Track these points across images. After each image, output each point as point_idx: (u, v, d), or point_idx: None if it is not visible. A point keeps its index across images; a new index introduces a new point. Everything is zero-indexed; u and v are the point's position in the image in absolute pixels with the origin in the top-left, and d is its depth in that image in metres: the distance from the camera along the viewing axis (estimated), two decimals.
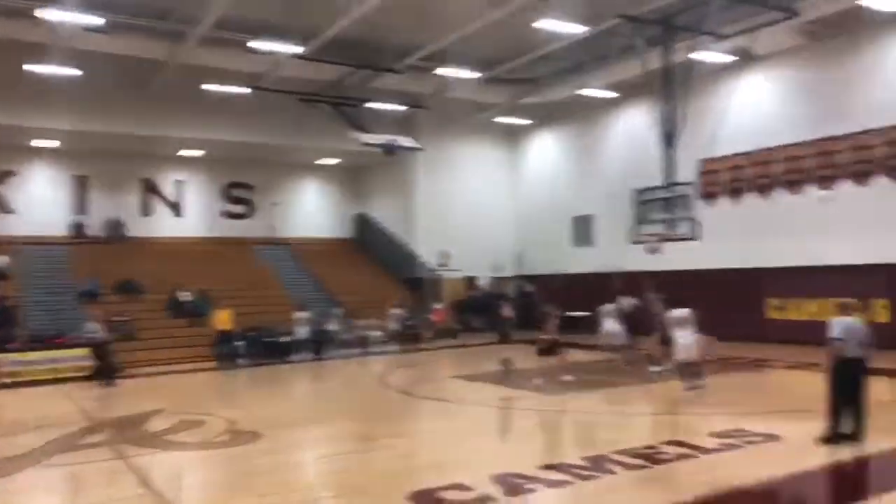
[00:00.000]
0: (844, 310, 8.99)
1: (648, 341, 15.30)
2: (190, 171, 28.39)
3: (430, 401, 13.81)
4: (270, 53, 19.81)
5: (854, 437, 8.60)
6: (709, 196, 22.09)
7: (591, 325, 17.86)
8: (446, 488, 7.33)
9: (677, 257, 20.52)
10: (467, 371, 17.46)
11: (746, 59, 19.36)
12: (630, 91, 23.93)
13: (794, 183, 20.05)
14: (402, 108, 25.25)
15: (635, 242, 19.69)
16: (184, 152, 27.15)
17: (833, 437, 8.61)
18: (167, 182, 28.12)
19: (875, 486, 7.37)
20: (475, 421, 11.67)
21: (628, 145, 24.97)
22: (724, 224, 21.61)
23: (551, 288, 27.52)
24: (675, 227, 18.23)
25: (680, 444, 8.91)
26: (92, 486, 8.31)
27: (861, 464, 8.08)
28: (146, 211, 27.66)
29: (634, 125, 24.43)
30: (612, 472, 7.77)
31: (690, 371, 12.45)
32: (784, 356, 17.02)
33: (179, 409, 12.74)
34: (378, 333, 22.49)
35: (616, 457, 8.31)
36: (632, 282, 17.93)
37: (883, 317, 17.50)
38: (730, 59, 19.94)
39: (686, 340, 12.11)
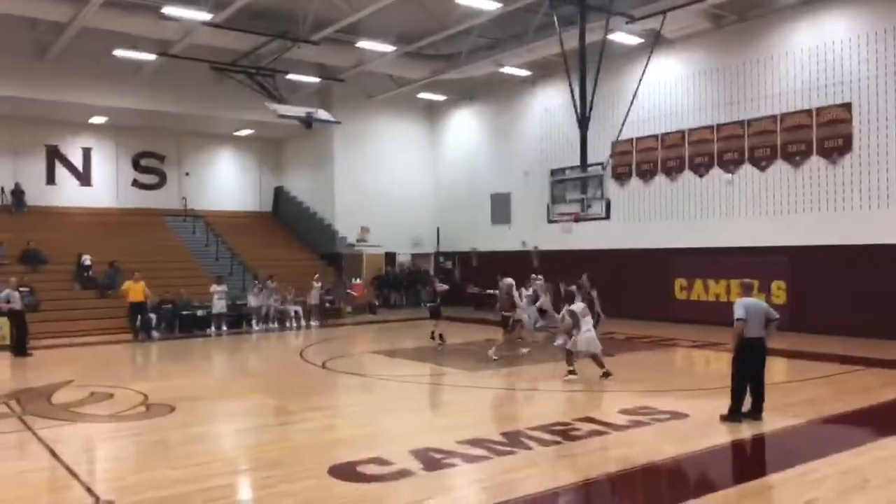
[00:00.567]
0: (747, 290, 9.19)
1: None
2: (98, 140, 27.31)
3: (348, 375, 13.86)
4: (180, 20, 19.17)
5: (753, 414, 8.93)
6: (620, 177, 22.81)
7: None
8: (365, 462, 7.41)
9: (590, 236, 21.12)
10: (386, 346, 17.63)
11: (658, 41, 19.94)
12: (547, 70, 24.31)
13: (700, 166, 20.87)
14: (319, 80, 24.92)
15: (551, 221, 20.13)
16: (94, 120, 26.08)
17: (735, 415, 8.90)
18: (75, 150, 26.98)
19: (772, 464, 7.60)
20: (394, 396, 11.77)
21: (545, 124, 25.36)
22: (634, 205, 22.40)
23: (469, 265, 27.91)
24: (589, 207, 18.67)
25: (591, 420, 9.22)
26: (1, 458, 8.04)
27: (758, 442, 8.37)
28: (51, 179, 26.50)
29: (551, 105, 24.85)
30: (528, 448, 7.96)
31: (572, 360, 12.10)
32: (690, 335, 17.78)
33: (90, 382, 12.47)
34: (297, 308, 22.35)
35: (532, 433, 8.54)
36: (547, 261, 18.24)
37: (780, 298, 18.30)
38: (641, 40, 20.43)
39: (590, 334, 11.95)
